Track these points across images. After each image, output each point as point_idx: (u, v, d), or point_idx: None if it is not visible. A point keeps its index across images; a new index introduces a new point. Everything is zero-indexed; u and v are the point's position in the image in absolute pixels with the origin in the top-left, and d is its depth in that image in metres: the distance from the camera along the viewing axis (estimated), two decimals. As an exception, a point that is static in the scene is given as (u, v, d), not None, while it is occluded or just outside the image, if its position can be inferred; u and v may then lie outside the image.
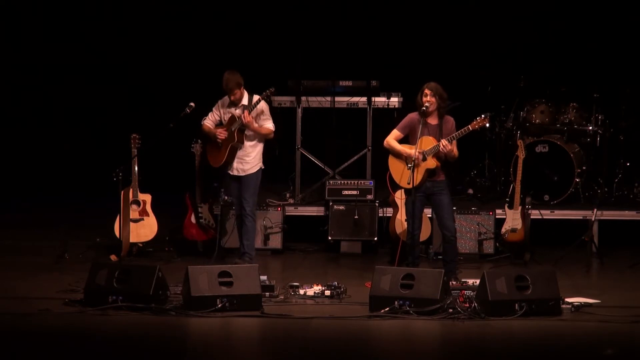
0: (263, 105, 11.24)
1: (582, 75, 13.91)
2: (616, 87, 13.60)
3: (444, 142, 10.34)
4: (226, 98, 11.35)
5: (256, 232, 11.77)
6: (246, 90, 11.31)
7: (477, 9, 14.55)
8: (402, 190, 10.83)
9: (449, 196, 10.59)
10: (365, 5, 14.76)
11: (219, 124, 11.41)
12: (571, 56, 14.26)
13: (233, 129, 11.24)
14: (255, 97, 11.23)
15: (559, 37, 14.37)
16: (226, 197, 12.25)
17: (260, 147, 11.39)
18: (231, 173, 11.39)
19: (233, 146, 11.28)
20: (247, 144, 11.31)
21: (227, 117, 11.35)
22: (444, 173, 10.57)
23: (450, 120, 10.55)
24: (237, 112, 11.26)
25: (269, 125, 11.32)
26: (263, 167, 11.47)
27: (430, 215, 11.47)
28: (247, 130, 11.25)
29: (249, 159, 11.34)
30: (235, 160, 11.34)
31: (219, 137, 11.27)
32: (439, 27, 14.56)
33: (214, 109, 11.44)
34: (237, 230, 11.58)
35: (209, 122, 11.43)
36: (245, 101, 11.28)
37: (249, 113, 11.11)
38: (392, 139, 10.62)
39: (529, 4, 14.35)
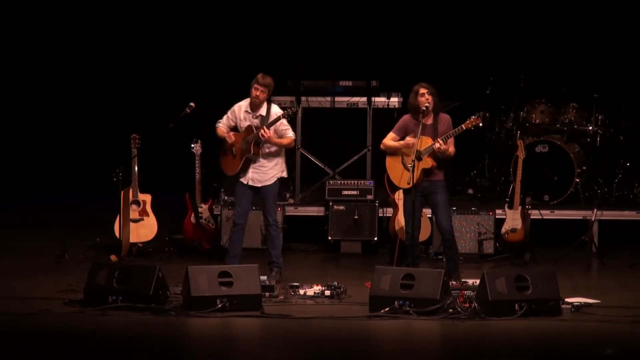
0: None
1: (582, 75, 13.91)
2: (616, 87, 13.61)
3: (439, 141, 10.33)
4: (242, 104, 10.87)
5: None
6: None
7: (477, 9, 14.55)
8: (400, 191, 10.82)
9: (445, 196, 10.58)
10: (365, 5, 14.75)
11: (232, 130, 10.91)
12: (571, 56, 14.26)
13: (250, 141, 10.75)
14: (274, 111, 10.75)
15: (559, 37, 14.37)
16: (226, 197, 12.24)
17: (279, 157, 10.85)
18: (244, 182, 10.85)
19: (248, 157, 10.77)
20: (264, 155, 10.79)
21: (243, 124, 10.83)
22: (441, 173, 10.57)
23: (445, 118, 10.55)
24: (255, 122, 10.75)
25: (289, 134, 10.80)
26: (286, 176, 11.08)
27: (430, 216, 11.47)
28: (266, 143, 10.76)
29: (267, 169, 10.81)
30: (251, 170, 10.82)
31: (228, 140, 10.82)
32: (439, 27, 14.55)
33: (228, 113, 10.92)
34: (231, 237, 11.00)
35: (223, 126, 10.93)
36: (263, 111, 10.78)
37: (268, 128, 10.60)
38: (389, 140, 10.62)
39: (529, 4, 14.34)
